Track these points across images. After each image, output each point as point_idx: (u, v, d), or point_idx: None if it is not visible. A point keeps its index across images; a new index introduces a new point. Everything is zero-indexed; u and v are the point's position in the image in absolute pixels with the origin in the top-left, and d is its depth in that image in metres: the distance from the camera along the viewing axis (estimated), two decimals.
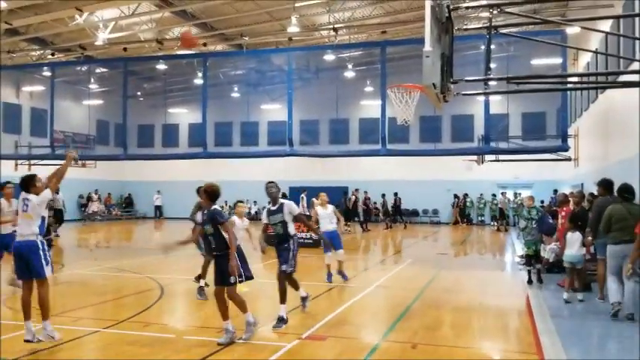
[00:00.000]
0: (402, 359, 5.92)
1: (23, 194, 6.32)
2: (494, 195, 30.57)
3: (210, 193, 6.42)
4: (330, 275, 10.36)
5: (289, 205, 7.59)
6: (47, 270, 6.18)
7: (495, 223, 28.46)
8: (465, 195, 31.19)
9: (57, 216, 19.39)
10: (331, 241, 10.36)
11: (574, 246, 8.76)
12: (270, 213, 7.61)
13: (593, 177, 16.88)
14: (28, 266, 6.12)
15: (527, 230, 10.75)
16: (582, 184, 18.43)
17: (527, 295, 9.23)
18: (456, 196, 30.73)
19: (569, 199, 11.31)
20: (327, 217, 10.74)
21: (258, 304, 8.50)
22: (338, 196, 31.20)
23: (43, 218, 6.30)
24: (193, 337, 6.63)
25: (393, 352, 6.16)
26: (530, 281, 10.34)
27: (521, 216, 11.16)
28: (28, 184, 6.31)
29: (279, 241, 7.53)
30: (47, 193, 6.34)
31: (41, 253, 6.13)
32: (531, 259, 10.63)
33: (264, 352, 5.90)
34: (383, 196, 29.29)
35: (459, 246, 20.03)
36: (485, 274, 12.47)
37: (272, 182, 7.60)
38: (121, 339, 6.59)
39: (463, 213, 30.85)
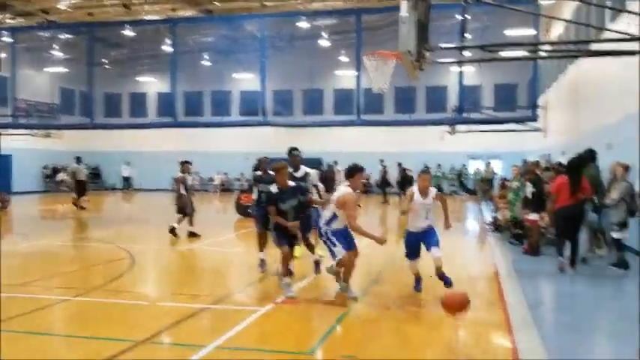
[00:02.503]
0: (373, 320, 5.98)
1: None
2: (464, 165, 30.98)
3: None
4: None
5: (314, 173, 7.48)
6: None
7: (465, 193, 28.91)
8: (438, 165, 31.48)
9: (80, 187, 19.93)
10: None
11: None
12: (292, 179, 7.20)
13: (561, 148, 17.20)
14: None
15: (514, 200, 11.21)
16: (549, 155, 18.76)
17: (494, 260, 9.43)
18: (381, 162, 26.28)
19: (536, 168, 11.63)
20: None
21: (235, 270, 8.46)
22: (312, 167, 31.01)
23: None
24: (167, 304, 6.56)
25: (366, 314, 6.22)
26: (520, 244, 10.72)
27: (511, 188, 11.57)
28: None
29: (299, 210, 7.02)
30: None
31: None
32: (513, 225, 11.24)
33: (240, 315, 5.89)
34: (381, 161, 26.25)
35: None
36: (455, 241, 12.65)
37: (296, 148, 7.49)
38: (92, 306, 6.49)
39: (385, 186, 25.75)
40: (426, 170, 7.31)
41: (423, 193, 6.88)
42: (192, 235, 11.90)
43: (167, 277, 8.74)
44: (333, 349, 5.08)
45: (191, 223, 12.02)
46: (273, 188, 6.81)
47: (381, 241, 6.45)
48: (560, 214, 8.54)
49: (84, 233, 14.39)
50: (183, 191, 12.07)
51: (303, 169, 7.27)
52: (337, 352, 5.00)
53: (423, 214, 6.90)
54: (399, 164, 25.07)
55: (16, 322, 5.67)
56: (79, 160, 21.36)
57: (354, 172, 6.62)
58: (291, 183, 6.91)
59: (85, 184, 20.71)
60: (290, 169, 7.19)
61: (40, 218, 19.23)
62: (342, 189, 6.54)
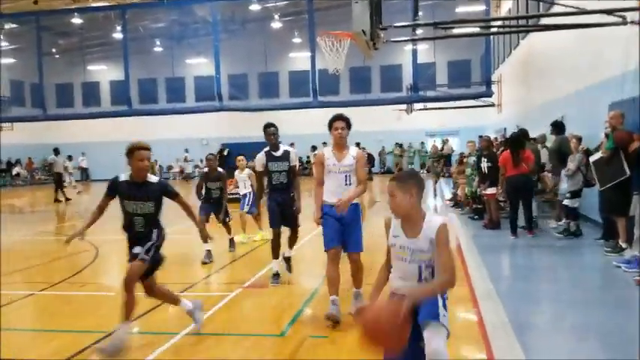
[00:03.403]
0: (342, 299, 6.11)
1: None
2: (422, 143, 31.43)
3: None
4: None
5: (293, 152, 6.83)
6: None
7: (424, 171, 29.39)
8: (399, 145, 31.82)
9: None
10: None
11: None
12: (271, 159, 6.66)
13: (515, 121, 17.68)
14: None
15: (471, 175, 11.63)
16: (505, 129, 19.26)
17: (456, 236, 9.69)
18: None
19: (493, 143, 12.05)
20: (241, 180, 10.69)
21: (201, 257, 8.46)
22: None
23: None
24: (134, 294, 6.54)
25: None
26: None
27: (468, 163, 11.88)
28: None
29: (283, 190, 6.66)
30: None
31: None
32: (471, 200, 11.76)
33: (209, 301, 5.94)
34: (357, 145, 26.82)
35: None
36: None
37: (272, 124, 6.72)
38: (59, 299, 6.44)
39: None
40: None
41: None
42: None
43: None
44: (303, 330, 5.16)
45: None
46: None
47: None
48: (507, 184, 9.31)
49: (44, 227, 14.08)
50: None
51: (282, 147, 6.70)
52: (307, 332, 5.08)
53: None
54: (357, 144, 25.19)
55: None
56: (57, 151, 20.93)
57: None
58: None
59: (62, 175, 20.70)
60: (267, 149, 6.70)
61: None
62: None
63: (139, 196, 4.60)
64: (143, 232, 4.66)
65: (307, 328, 5.26)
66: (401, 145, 31.29)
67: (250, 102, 29.44)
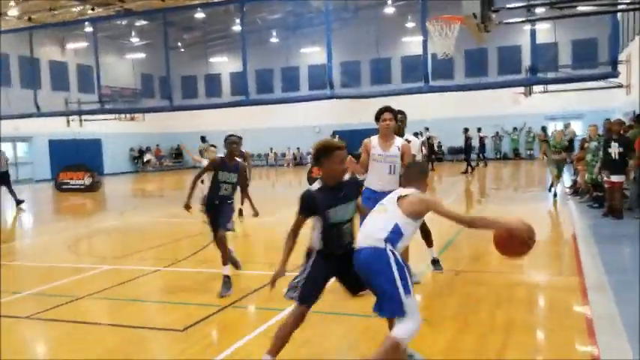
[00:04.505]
0: (446, 285, 6.14)
1: None
2: (543, 127, 29.82)
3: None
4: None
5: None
6: None
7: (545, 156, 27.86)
8: (514, 129, 30.55)
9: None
10: None
11: None
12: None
13: None
14: None
15: (592, 162, 10.99)
16: (634, 112, 17.76)
17: (573, 224, 9.24)
18: (466, 131, 24.78)
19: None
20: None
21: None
22: None
23: None
24: (247, 272, 7.02)
25: (437, 280, 6.37)
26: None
27: (589, 149, 11.21)
28: None
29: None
30: None
31: None
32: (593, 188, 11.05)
33: None
34: (465, 130, 24.76)
35: (507, 181, 19.85)
36: (533, 207, 12.43)
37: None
38: (182, 276, 7.05)
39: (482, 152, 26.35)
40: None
41: None
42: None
43: (245, 248, 9.22)
44: None
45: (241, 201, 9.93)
46: None
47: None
48: None
49: (172, 210, 15.27)
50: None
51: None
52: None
53: None
54: (466, 130, 24.67)
55: (115, 291, 6.30)
56: (203, 139, 21.73)
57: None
58: None
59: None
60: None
61: (132, 197, 20.57)
62: None
63: (342, 201, 3.75)
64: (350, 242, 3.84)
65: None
66: (515, 130, 30.11)
67: (362, 89, 29.58)
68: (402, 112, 6.27)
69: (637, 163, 8.89)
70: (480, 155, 26.50)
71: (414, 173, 3.93)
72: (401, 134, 6.09)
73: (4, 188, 15.68)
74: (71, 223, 13.41)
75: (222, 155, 6.59)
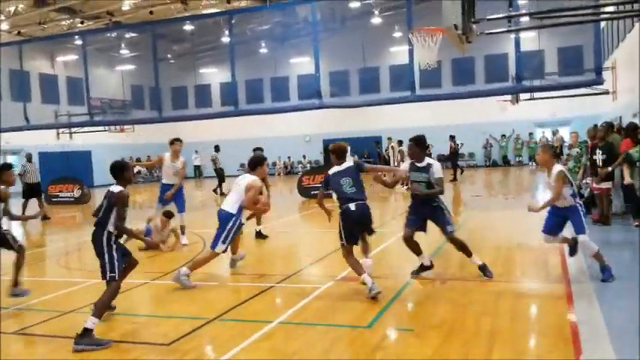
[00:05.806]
0: (431, 294, 6.20)
1: None
2: (531, 134, 30.12)
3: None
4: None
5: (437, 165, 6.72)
6: None
7: (534, 163, 28.13)
8: (503, 136, 30.83)
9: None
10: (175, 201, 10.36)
11: None
12: (414, 169, 6.67)
13: (632, 109, 16.46)
14: None
15: (574, 168, 10.97)
16: (620, 117, 18.01)
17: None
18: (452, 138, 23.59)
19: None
20: (171, 169, 10.41)
21: (300, 250, 8.83)
22: (372, 147, 31.04)
23: None
24: (235, 284, 7.04)
25: (422, 289, 6.44)
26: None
27: (571, 155, 11.25)
28: None
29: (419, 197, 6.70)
30: None
31: None
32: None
33: (303, 292, 6.30)
34: (452, 138, 23.62)
35: (495, 188, 19.98)
36: (518, 214, 12.52)
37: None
38: (167, 288, 7.06)
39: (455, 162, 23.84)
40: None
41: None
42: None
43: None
44: (389, 323, 5.35)
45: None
46: None
47: None
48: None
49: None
50: None
51: (427, 160, 6.74)
52: (395, 325, 5.28)
53: None
54: (451, 137, 23.99)
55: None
56: (217, 148, 21.91)
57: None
58: None
59: (222, 171, 21.57)
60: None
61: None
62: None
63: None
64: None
65: (393, 320, 5.42)
66: (503, 137, 30.36)
67: (350, 98, 29.73)
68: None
69: (615, 166, 9.07)
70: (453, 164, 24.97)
71: None
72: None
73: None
74: (60, 235, 13.37)
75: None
